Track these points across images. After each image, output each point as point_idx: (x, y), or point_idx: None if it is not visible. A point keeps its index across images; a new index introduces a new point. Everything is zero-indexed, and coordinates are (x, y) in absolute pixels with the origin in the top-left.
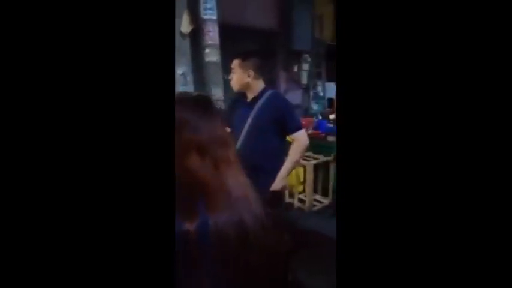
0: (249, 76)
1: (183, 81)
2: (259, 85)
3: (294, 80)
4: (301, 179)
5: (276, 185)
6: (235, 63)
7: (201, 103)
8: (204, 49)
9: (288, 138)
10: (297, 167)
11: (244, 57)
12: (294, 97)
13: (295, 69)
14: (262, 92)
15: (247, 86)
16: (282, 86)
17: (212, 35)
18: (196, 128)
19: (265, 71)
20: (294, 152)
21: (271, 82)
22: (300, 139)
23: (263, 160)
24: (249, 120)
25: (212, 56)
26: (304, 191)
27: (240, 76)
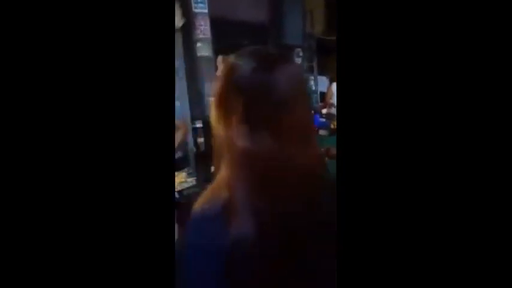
0: None
1: (176, 76)
2: None
3: None
4: None
5: None
6: (219, 60)
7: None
8: (196, 43)
9: None
10: None
11: (226, 53)
12: None
13: None
14: None
15: None
16: None
17: (204, 29)
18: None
19: None
20: None
21: None
22: None
23: None
24: None
25: (204, 50)
26: None
27: None
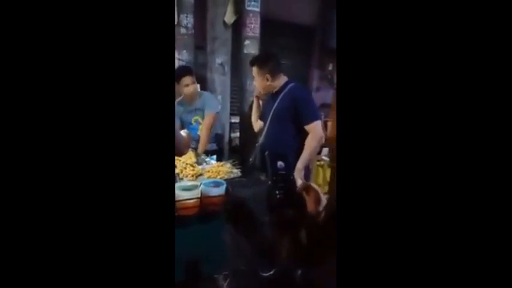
0: (268, 80)
1: (221, 71)
2: (281, 80)
3: (327, 79)
4: (328, 180)
5: (300, 186)
6: (254, 70)
7: None
8: (244, 41)
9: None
10: (326, 167)
11: (259, 64)
12: (325, 96)
13: (330, 67)
14: (284, 85)
15: (269, 87)
16: (314, 84)
17: (253, 27)
18: None
19: (286, 67)
20: (309, 144)
21: (304, 79)
22: (314, 130)
23: (281, 150)
24: (271, 112)
25: (251, 48)
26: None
27: (260, 81)
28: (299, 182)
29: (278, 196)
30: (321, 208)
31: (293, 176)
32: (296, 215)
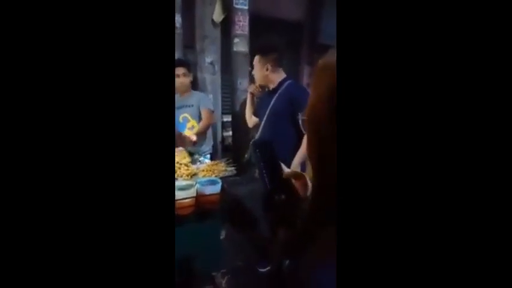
0: (267, 70)
1: (212, 70)
2: (279, 76)
3: None
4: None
5: (287, 173)
6: (256, 59)
7: None
8: (233, 39)
9: None
10: None
11: (262, 53)
12: None
13: None
14: (281, 83)
15: (267, 79)
16: (305, 80)
17: (242, 25)
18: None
19: (284, 63)
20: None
21: (294, 75)
22: None
23: (279, 148)
24: (268, 109)
25: (241, 46)
26: None
27: (259, 71)
28: (285, 169)
29: (262, 164)
30: (308, 193)
31: (273, 146)
32: (286, 200)
